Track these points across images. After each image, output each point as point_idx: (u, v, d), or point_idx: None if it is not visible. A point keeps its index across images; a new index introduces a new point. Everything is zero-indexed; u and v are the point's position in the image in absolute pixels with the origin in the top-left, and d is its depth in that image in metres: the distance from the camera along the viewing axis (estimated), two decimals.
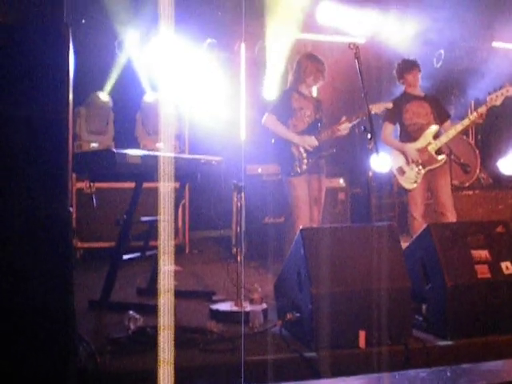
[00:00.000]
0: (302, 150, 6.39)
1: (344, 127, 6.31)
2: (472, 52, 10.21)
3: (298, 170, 6.36)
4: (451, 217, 6.52)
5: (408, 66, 6.86)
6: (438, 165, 6.59)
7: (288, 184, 6.44)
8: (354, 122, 6.30)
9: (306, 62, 6.62)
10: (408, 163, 6.61)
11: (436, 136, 6.62)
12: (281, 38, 9.15)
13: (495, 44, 10.29)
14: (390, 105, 6.32)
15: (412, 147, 6.61)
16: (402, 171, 6.65)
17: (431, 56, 9.89)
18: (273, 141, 6.59)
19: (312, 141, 6.37)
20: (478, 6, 9.34)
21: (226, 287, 5.58)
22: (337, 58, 8.66)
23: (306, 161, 6.37)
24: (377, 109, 6.18)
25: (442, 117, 6.81)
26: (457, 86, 9.96)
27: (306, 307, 4.10)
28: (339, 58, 8.47)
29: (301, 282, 4.20)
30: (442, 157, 6.60)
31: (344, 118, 6.32)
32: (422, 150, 6.58)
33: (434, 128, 6.64)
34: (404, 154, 6.64)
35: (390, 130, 6.81)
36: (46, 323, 3.22)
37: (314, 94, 6.93)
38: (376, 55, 9.73)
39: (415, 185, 6.58)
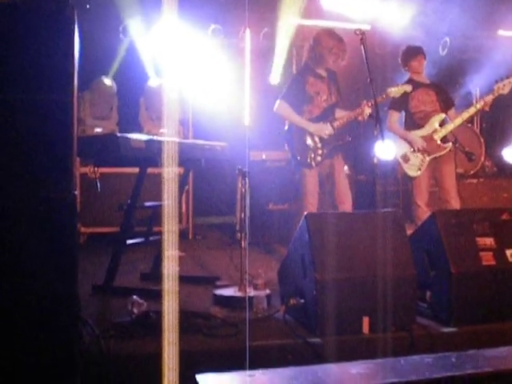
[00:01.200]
0: (317, 139, 6.21)
1: (368, 111, 6.08)
2: (477, 40, 10.15)
3: (313, 164, 6.19)
4: (455, 204, 6.50)
5: (413, 53, 6.81)
6: (443, 152, 6.57)
7: (300, 173, 6.33)
8: (371, 105, 6.07)
9: (330, 41, 6.26)
10: (413, 151, 6.58)
11: (442, 124, 6.60)
12: (286, 24, 9.11)
13: (501, 32, 10.24)
14: (409, 87, 6.23)
15: (417, 135, 6.58)
16: (406, 158, 6.61)
17: (437, 44, 9.84)
18: (286, 127, 6.43)
19: (328, 129, 6.21)
20: None
21: (229, 273, 5.58)
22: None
23: (320, 151, 6.20)
24: (395, 93, 6.12)
25: (447, 104, 6.79)
26: (462, 73, 9.92)
27: (310, 293, 4.09)
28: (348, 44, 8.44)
29: (305, 268, 4.20)
30: (447, 144, 6.58)
31: (365, 102, 6.12)
32: (428, 138, 6.57)
33: (439, 116, 6.62)
34: (409, 141, 6.61)
35: (396, 118, 6.77)
36: (51, 307, 3.22)
37: None
38: (381, 42, 9.71)
39: (419, 172, 6.55)
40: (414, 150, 6.57)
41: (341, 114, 6.33)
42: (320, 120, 6.27)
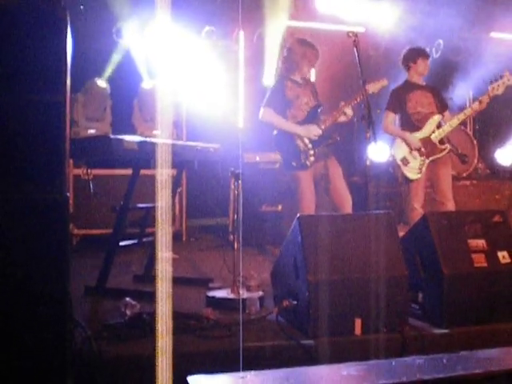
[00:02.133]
0: (306, 140, 6.20)
1: (349, 111, 6.18)
2: (470, 42, 10.19)
3: (308, 164, 6.19)
4: (451, 206, 6.54)
5: (421, 54, 6.83)
6: (441, 154, 6.61)
7: (293, 177, 6.32)
8: (353, 104, 6.16)
9: (302, 47, 6.41)
10: (412, 153, 6.60)
11: (439, 125, 6.64)
12: (279, 26, 9.12)
13: (493, 34, 10.29)
14: (385, 82, 6.24)
15: (414, 136, 6.60)
16: (406, 161, 6.63)
17: (430, 46, 9.87)
18: (275, 132, 6.42)
19: (316, 129, 6.21)
20: None
21: (222, 274, 5.59)
22: (335, 47, 8.65)
23: (312, 152, 6.19)
24: (373, 88, 6.15)
25: (442, 107, 6.83)
26: (455, 75, 9.94)
27: (302, 294, 4.10)
28: (337, 47, 8.46)
29: (297, 270, 4.20)
30: (445, 146, 6.62)
31: (343, 103, 6.20)
32: (426, 140, 6.59)
33: (437, 117, 6.65)
34: (406, 142, 6.63)
35: (392, 119, 6.79)
36: (42, 308, 3.21)
37: (312, 78, 6.80)
38: (374, 45, 9.73)
39: (419, 175, 6.57)
40: (412, 151, 6.59)
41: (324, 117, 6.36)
42: (306, 123, 6.28)
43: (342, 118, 6.29)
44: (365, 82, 5.64)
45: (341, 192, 6.32)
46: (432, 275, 4.39)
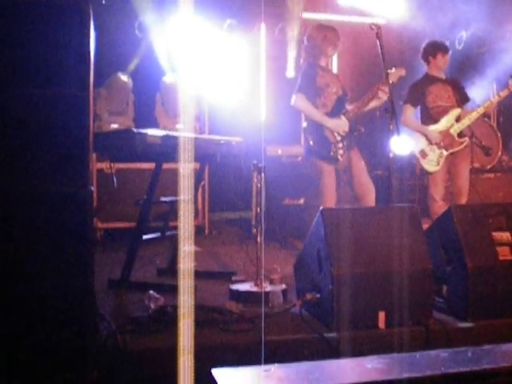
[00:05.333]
0: (335, 133, 6.18)
1: (382, 96, 6.02)
2: (493, 34, 10.09)
3: (339, 157, 6.16)
4: (464, 201, 6.55)
5: (442, 49, 6.81)
6: (460, 147, 6.59)
7: (317, 167, 6.28)
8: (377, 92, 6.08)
9: (322, 32, 6.34)
10: (430, 145, 6.58)
11: (458, 118, 6.61)
12: (301, 18, 9.09)
13: None
14: (403, 72, 6.12)
15: (434, 129, 6.59)
16: (424, 154, 6.62)
17: (453, 38, 9.79)
18: (304, 124, 6.41)
19: (345, 125, 6.17)
20: None
21: (245, 268, 5.59)
22: (357, 40, 8.61)
23: (341, 144, 6.17)
24: (392, 77, 6.06)
25: (462, 100, 6.83)
26: (478, 68, 9.85)
27: (326, 288, 4.09)
28: (359, 40, 8.41)
29: (321, 263, 4.20)
30: (464, 139, 6.60)
31: (378, 84, 6.07)
32: (445, 133, 6.57)
33: (456, 110, 6.64)
34: (426, 136, 6.61)
35: (411, 113, 6.77)
36: (67, 302, 3.24)
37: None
38: (397, 37, 9.66)
39: (437, 167, 6.56)
40: (431, 145, 6.57)
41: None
42: (334, 113, 6.24)
43: (374, 103, 6.21)
44: (388, 74, 5.61)
45: (364, 183, 6.29)
46: (456, 268, 4.36)
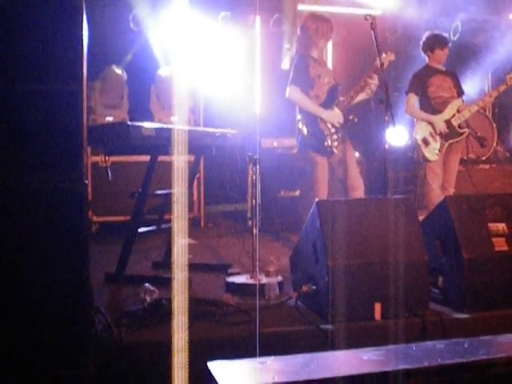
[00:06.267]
0: (329, 125, 6.18)
1: (373, 82, 6.04)
2: (489, 25, 10.09)
3: (334, 150, 6.17)
4: (451, 193, 6.63)
5: (442, 43, 6.90)
6: (460, 138, 6.74)
7: (311, 160, 6.28)
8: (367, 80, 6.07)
9: (315, 22, 6.33)
10: (434, 134, 6.65)
11: (459, 110, 6.70)
12: (296, 10, 9.07)
13: None
14: (392, 56, 6.01)
15: (440, 118, 6.67)
16: (426, 142, 6.73)
17: (448, 29, 9.78)
18: (298, 116, 6.40)
19: (339, 116, 6.17)
20: None
21: (241, 260, 5.59)
22: (352, 31, 8.59)
23: (336, 136, 6.17)
24: (385, 60, 5.97)
25: (459, 92, 6.89)
26: (474, 58, 9.85)
27: (322, 279, 4.09)
28: (354, 31, 8.39)
29: (317, 255, 4.19)
30: (464, 130, 6.70)
31: (367, 74, 6.09)
32: (447, 123, 6.65)
33: (458, 101, 6.77)
34: (432, 124, 6.67)
35: (414, 101, 6.86)
36: (63, 296, 3.23)
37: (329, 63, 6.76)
38: (392, 28, 9.65)
39: (437, 157, 6.64)
40: (435, 133, 6.63)
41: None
42: (327, 104, 6.24)
43: (363, 96, 6.22)
44: (382, 64, 5.60)
45: (355, 177, 6.32)
46: (452, 259, 4.36)
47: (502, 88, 6.66)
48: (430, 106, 6.78)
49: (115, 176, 5.92)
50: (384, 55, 5.92)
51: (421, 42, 6.99)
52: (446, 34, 7.06)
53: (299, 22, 6.75)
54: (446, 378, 2.74)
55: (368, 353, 2.89)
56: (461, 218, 4.40)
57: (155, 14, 8.62)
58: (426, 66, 6.94)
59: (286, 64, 9.17)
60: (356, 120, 6.24)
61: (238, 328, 3.94)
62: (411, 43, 7.23)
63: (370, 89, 6.09)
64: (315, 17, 6.49)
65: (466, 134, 6.75)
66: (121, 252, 5.11)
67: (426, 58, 6.95)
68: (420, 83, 6.79)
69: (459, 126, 6.70)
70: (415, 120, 6.87)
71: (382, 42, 5.62)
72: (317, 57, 6.43)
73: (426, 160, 6.75)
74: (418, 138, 6.76)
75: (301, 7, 9.14)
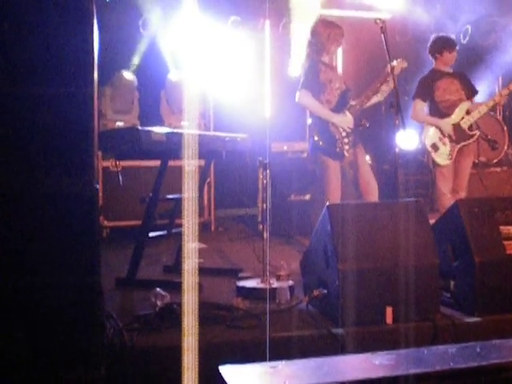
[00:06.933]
0: (340, 129, 6.17)
1: (383, 88, 6.09)
2: (498, 27, 10.06)
3: (345, 153, 6.16)
4: (463, 196, 6.58)
5: (450, 45, 6.82)
6: (471, 140, 6.66)
7: (323, 163, 6.25)
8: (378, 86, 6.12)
9: (327, 28, 6.33)
10: (443, 138, 6.60)
11: (468, 112, 6.64)
12: (305, 14, 9.06)
13: None
14: (404, 64, 6.07)
15: (447, 122, 6.61)
16: (435, 147, 6.66)
17: (458, 32, 9.76)
18: (309, 120, 6.39)
19: (350, 121, 6.17)
20: None
21: (252, 264, 5.58)
22: (361, 35, 8.59)
23: (347, 140, 6.16)
24: (395, 70, 5.98)
25: (470, 93, 6.85)
26: (484, 61, 9.83)
27: (332, 283, 4.08)
28: (364, 35, 8.39)
29: (327, 259, 4.19)
30: (474, 132, 6.63)
31: (377, 80, 6.13)
32: (456, 126, 6.61)
33: (466, 104, 6.67)
34: (439, 129, 6.63)
35: (421, 107, 6.80)
36: (74, 301, 3.24)
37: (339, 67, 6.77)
38: (402, 31, 9.64)
39: (449, 161, 6.59)
40: (444, 137, 6.59)
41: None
42: (338, 109, 6.24)
43: (374, 100, 6.25)
44: (393, 68, 5.60)
45: (368, 180, 6.29)
46: (464, 263, 4.35)
47: None
48: (438, 109, 6.71)
49: (126, 181, 5.92)
50: (395, 62, 5.93)
51: (428, 45, 6.93)
52: (453, 36, 7.02)
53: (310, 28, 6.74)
54: (458, 383, 2.73)
55: (379, 357, 2.88)
56: (472, 222, 4.38)
57: (165, 18, 8.64)
58: (433, 70, 6.86)
59: (295, 69, 9.16)
60: (368, 125, 6.23)
61: (248, 332, 3.93)
62: (421, 46, 7.20)
63: (382, 94, 6.10)
64: (327, 23, 6.48)
65: (476, 136, 6.68)
66: (132, 257, 5.12)
67: (433, 61, 6.89)
68: (426, 88, 6.72)
69: (469, 128, 6.64)
70: (424, 124, 6.82)
71: (392, 46, 5.61)
72: (327, 62, 6.42)
73: (437, 165, 6.69)
74: (427, 143, 6.69)
75: (314, 12, 9.12)
